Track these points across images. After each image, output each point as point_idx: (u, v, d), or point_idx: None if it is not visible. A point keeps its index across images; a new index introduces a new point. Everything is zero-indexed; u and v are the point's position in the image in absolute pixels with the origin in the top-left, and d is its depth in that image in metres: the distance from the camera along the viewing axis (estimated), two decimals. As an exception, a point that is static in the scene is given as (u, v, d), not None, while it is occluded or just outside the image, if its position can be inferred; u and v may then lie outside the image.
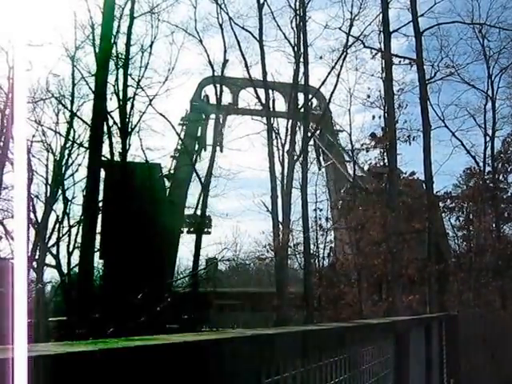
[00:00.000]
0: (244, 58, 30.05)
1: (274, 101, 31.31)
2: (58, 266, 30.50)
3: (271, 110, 30.39)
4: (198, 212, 32.80)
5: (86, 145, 28.83)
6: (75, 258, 29.79)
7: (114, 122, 29.53)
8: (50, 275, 35.22)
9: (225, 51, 31.21)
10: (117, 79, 29.40)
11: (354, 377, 3.85)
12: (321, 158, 35.50)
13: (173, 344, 1.79)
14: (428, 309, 23.98)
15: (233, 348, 2.09)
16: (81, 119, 31.56)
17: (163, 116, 31.97)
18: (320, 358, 3.16)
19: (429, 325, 8.93)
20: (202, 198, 32.13)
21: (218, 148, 31.82)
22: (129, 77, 29.83)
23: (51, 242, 31.72)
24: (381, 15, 27.18)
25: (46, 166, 32.80)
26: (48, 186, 32.27)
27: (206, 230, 34.17)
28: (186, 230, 35.27)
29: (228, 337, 2.20)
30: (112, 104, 29.02)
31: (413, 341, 6.45)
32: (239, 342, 2.20)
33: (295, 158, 28.06)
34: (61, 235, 32.26)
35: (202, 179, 31.25)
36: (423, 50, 28.20)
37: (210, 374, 1.91)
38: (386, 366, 4.97)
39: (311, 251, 27.71)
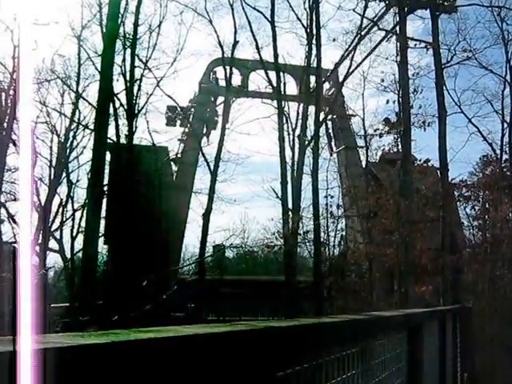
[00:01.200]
0: (255, 40, 29.33)
1: (285, 84, 30.64)
2: (61, 251, 30.19)
3: (282, 93, 29.71)
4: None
5: (92, 126, 28.30)
6: (79, 242, 29.50)
7: (121, 104, 28.91)
8: (53, 260, 34.96)
9: (235, 32, 30.47)
10: (124, 60, 28.71)
11: (367, 370, 3.83)
12: (332, 143, 34.87)
13: (186, 336, 1.77)
14: (441, 300, 23.53)
15: (245, 341, 2.08)
16: (86, 101, 31.05)
17: (171, 98, 31.43)
18: (333, 351, 3.14)
19: (443, 317, 8.85)
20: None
21: (226, 132, 31.12)
22: (136, 57, 29.15)
23: (54, 226, 31.39)
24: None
25: (50, 147, 32.41)
26: (52, 169, 31.86)
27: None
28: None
29: (240, 329, 2.19)
30: (119, 85, 28.36)
31: (426, 334, 6.39)
32: (251, 334, 2.19)
33: (306, 142, 27.37)
34: (64, 219, 32.03)
35: (211, 164, 30.54)
36: (440, 33, 27.66)
37: (221, 367, 1.87)
38: (399, 360, 4.92)
39: (321, 239, 27.10)
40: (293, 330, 2.63)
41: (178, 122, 35.79)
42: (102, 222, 27.23)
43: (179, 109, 34.80)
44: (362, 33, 28.42)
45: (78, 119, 32.22)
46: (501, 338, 23.64)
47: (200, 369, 1.77)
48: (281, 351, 2.44)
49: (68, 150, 32.33)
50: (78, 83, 31.46)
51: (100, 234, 25.39)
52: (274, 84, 29.26)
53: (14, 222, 28.10)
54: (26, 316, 1.25)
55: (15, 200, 29.12)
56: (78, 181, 32.52)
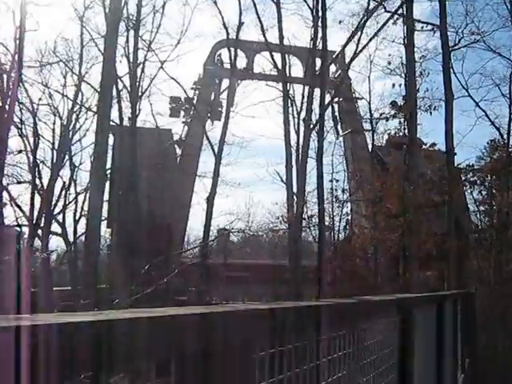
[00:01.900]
0: (260, 21, 29.00)
1: (290, 66, 30.35)
2: (63, 234, 30.06)
3: (287, 75, 29.42)
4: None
5: (95, 109, 28.06)
6: (82, 226, 29.36)
7: (124, 86, 28.68)
8: (56, 243, 34.88)
9: (240, 13, 30.18)
10: (127, 41, 28.47)
11: (353, 354, 3.82)
12: (338, 127, 34.54)
13: (173, 316, 1.84)
14: (446, 285, 23.33)
15: (226, 321, 2.14)
16: (89, 84, 30.77)
17: (175, 80, 31.17)
18: (318, 333, 3.18)
19: (441, 302, 8.69)
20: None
21: (231, 115, 30.86)
22: (140, 39, 28.87)
23: (57, 210, 31.25)
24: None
25: (53, 130, 32.10)
26: (54, 152, 31.58)
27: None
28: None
29: (220, 311, 2.23)
30: (122, 67, 28.11)
31: (422, 319, 6.44)
32: (232, 316, 2.25)
33: (311, 126, 27.11)
34: (67, 202, 31.85)
35: (215, 146, 30.30)
36: (447, 15, 27.06)
37: (200, 347, 1.92)
38: (390, 345, 4.89)
39: (326, 224, 26.92)
40: (273, 312, 2.63)
41: (182, 113, 35.60)
42: (105, 205, 27.24)
43: (183, 99, 34.61)
44: (369, 15, 28.03)
45: (81, 101, 31.95)
46: (504, 323, 23.51)
47: (180, 349, 1.84)
48: (264, 332, 2.48)
49: (71, 133, 32.04)
50: (80, 65, 31.18)
51: (102, 217, 25.31)
52: (280, 66, 29.00)
53: (17, 205, 28.07)
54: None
55: (19, 183, 29.08)
56: (80, 164, 32.35)
